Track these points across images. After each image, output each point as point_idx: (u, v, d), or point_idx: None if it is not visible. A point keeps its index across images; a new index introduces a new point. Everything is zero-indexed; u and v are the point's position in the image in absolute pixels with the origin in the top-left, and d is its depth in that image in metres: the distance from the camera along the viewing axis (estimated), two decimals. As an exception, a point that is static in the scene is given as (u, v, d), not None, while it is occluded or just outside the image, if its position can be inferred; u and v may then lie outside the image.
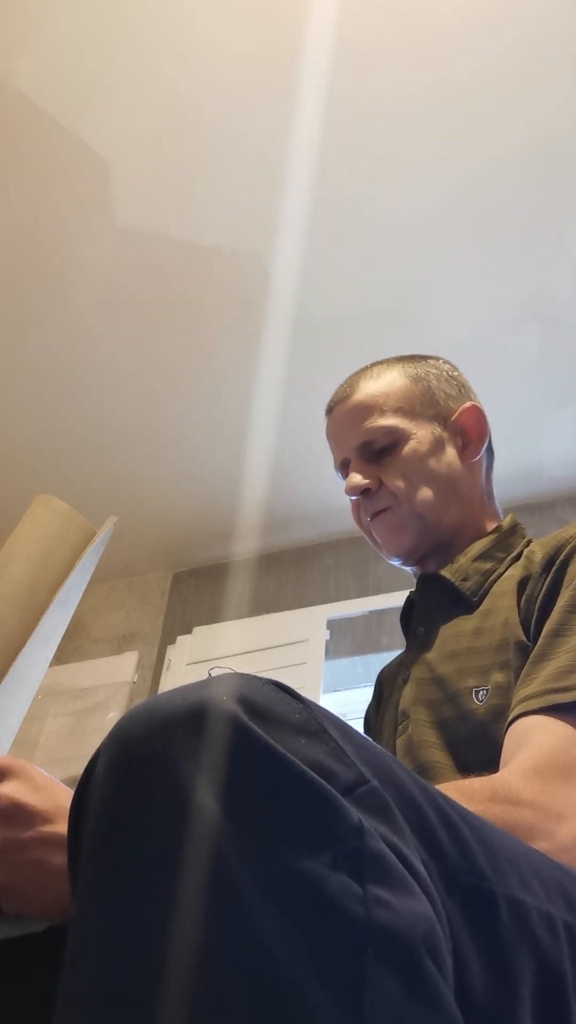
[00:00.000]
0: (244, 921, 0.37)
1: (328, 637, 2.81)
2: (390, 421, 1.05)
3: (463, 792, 0.66)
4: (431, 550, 1.06)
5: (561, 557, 0.90)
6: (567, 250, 2.29)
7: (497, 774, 0.74)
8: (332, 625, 2.86)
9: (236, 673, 0.47)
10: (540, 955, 0.50)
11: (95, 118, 2.06)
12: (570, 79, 1.98)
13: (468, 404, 1.10)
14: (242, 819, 0.39)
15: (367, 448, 1.06)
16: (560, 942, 0.52)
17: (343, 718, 0.48)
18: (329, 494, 2.78)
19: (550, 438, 2.74)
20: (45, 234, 2.29)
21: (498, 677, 0.86)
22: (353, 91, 1.99)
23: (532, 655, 0.84)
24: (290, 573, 3.13)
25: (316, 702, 0.47)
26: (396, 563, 1.10)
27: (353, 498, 1.07)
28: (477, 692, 0.87)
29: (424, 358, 1.14)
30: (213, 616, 3.11)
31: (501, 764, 0.77)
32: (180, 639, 3.04)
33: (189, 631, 3.06)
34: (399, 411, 1.06)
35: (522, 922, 0.50)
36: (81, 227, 2.27)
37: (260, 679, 0.46)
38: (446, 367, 1.14)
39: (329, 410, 1.13)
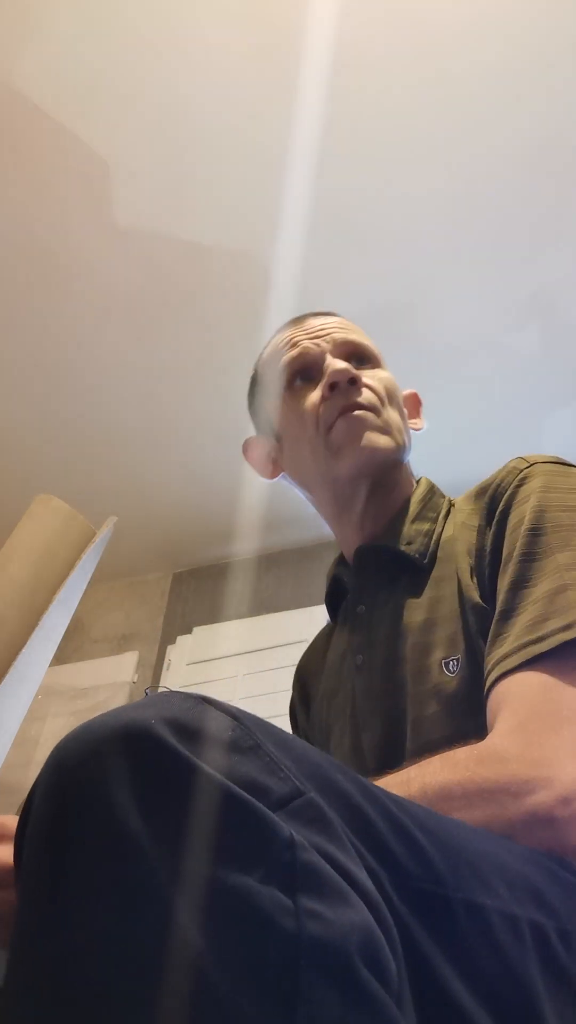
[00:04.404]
0: (178, 941, 0.37)
1: (328, 637, 2.80)
2: (374, 349, 1.08)
3: (448, 762, 0.65)
4: (380, 481, 1.00)
5: (501, 506, 0.86)
6: (567, 250, 2.29)
7: (482, 741, 0.71)
8: (332, 625, 2.85)
9: (169, 692, 0.47)
10: (502, 959, 0.50)
11: (95, 118, 2.06)
12: (572, 81, 1.98)
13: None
14: (171, 841, 0.39)
15: (351, 351, 1.04)
16: (525, 944, 0.51)
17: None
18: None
19: (550, 438, 2.74)
20: (45, 234, 2.29)
21: (465, 644, 0.82)
22: (353, 91, 1.99)
23: (497, 612, 0.78)
24: (290, 573, 3.13)
25: (255, 716, 0.47)
26: (341, 481, 0.99)
27: (320, 396, 0.99)
28: (447, 663, 0.82)
29: None
30: (213, 616, 3.11)
31: (488, 730, 0.73)
32: (180, 639, 3.05)
33: (189, 631, 3.06)
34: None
35: (483, 927, 0.50)
36: (81, 227, 2.27)
37: (193, 698, 0.46)
38: None
39: (300, 318, 1.09)
